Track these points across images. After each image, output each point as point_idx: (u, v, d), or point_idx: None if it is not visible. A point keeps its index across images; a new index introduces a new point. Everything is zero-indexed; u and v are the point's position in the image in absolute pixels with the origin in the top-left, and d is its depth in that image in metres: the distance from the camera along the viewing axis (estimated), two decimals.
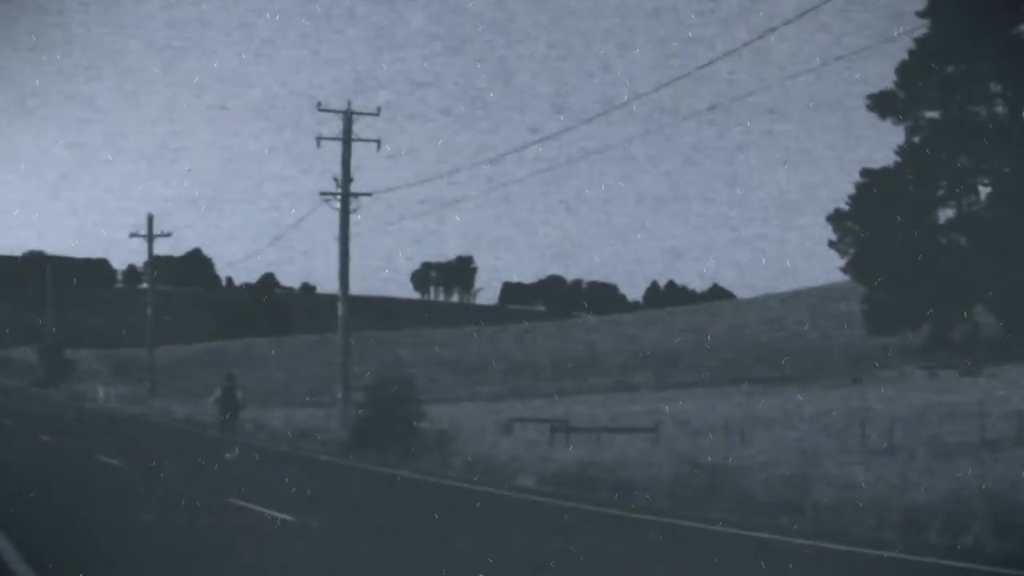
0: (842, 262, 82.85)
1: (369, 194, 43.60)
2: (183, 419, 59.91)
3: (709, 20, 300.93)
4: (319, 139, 42.59)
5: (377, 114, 43.10)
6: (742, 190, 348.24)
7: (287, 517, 18.56)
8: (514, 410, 51.42)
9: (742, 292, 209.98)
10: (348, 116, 42.50)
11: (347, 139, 42.46)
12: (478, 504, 20.84)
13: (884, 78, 79.49)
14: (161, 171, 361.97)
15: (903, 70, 76.81)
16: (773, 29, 64.74)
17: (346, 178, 42.83)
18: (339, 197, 42.94)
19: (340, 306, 44.54)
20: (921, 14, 75.51)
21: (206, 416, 57.31)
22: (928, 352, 78.20)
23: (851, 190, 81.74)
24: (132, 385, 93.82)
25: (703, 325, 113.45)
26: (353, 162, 43.27)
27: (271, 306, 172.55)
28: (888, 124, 79.48)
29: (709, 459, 21.52)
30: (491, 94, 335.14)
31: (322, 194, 43.36)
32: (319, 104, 42.51)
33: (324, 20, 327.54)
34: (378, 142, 42.86)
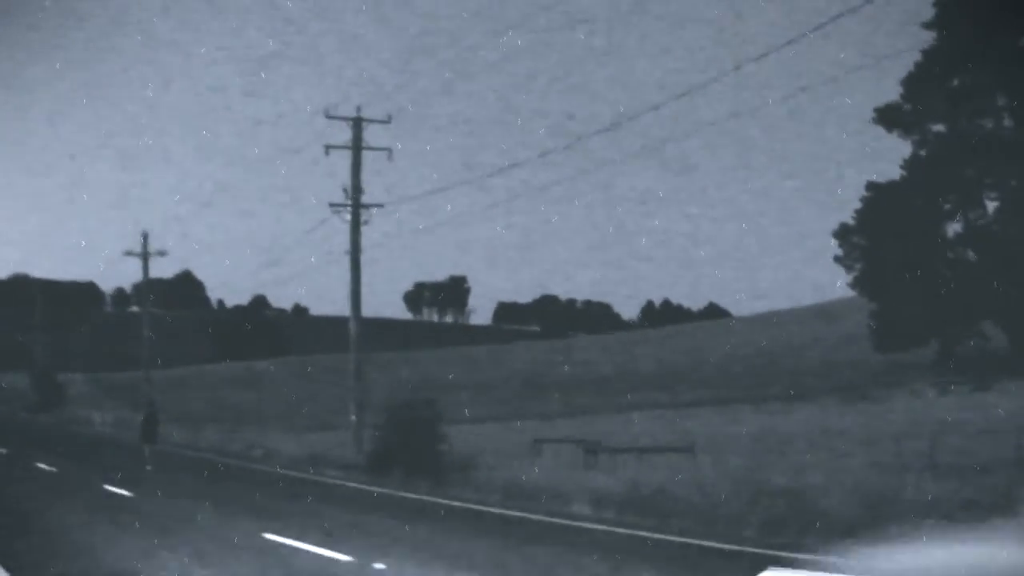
0: (848, 278, 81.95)
1: (381, 205, 42.53)
2: (183, 444, 58.46)
3: (717, 31, 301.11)
4: (328, 147, 41.47)
5: (388, 121, 41.95)
6: (736, 207, 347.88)
7: (349, 559, 17.03)
8: (529, 430, 50.22)
9: (738, 310, 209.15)
10: (358, 123, 41.39)
11: (357, 147, 41.35)
12: (547, 536, 19.36)
13: (890, 91, 78.00)
14: (151, 188, 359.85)
15: (909, 82, 75.98)
16: (777, 48, 63.97)
17: (356, 188, 41.71)
18: (349, 208, 41.78)
19: (352, 324, 43.32)
20: (927, 26, 74.84)
21: (211, 442, 56.14)
22: (937, 368, 77.19)
23: (856, 205, 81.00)
24: (126, 409, 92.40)
25: (706, 343, 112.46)
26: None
27: (264, 328, 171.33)
28: (882, 137, 78.83)
29: (770, 480, 20.30)
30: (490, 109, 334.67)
31: (332, 205, 42.24)
32: (327, 111, 41.38)
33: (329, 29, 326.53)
34: (389, 150, 41.81)
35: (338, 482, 33.49)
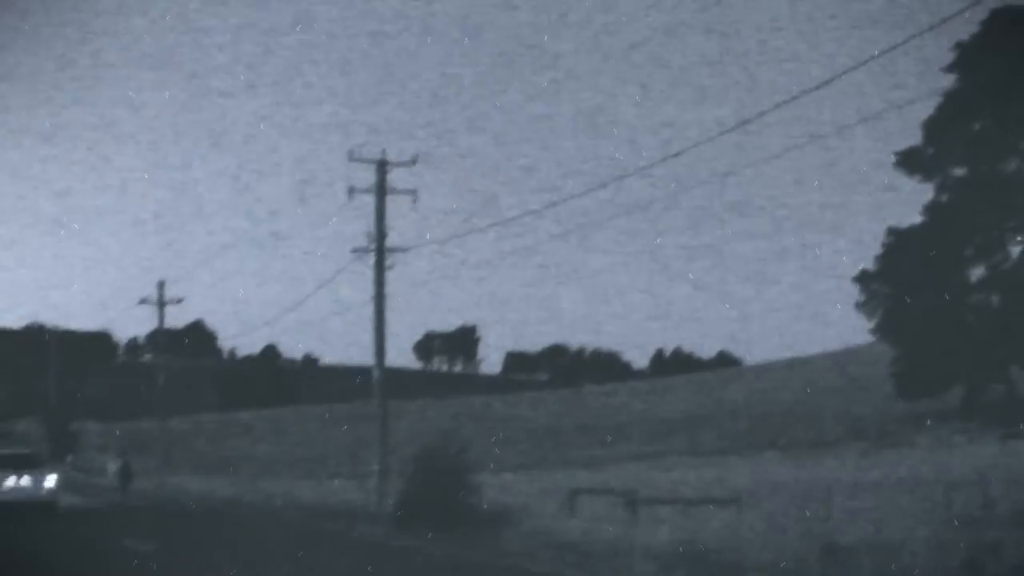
0: (870, 324, 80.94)
1: (405, 249, 41.69)
2: (201, 495, 57.30)
3: (731, 81, 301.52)
4: (351, 190, 40.78)
5: (413, 163, 41.21)
6: (749, 254, 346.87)
7: None
8: (552, 480, 49.21)
9: (750, 359, 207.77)
10: (382, 166, 40.69)
11: (381, 190, 40.63)
12: None
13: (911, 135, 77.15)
14: (164, 238, 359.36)
15: (930, 126, 75.33)
16: (795, 97, 63.80)
17: (380, 232, 40.94)
18: (373, 253, 40.97)
19: (376, 371, 42.40)
20: (947, 69, 74.30)
21: (229, 492, 55.08)
22: (962, 415, 76.08)
23: (877, 251, 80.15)
24: (141, 458, 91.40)
25: (721, 391, 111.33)
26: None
27: (276, 377, 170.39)
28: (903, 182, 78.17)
29: (836, 534, 19.28)
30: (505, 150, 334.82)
31: (354, 250, 41.48)
32: (351, 153, 40.65)
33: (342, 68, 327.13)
34: (414, 193, 41.08)
35: (368, 537, 32.10)
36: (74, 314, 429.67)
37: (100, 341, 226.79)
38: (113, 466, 57.96)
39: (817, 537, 19.34)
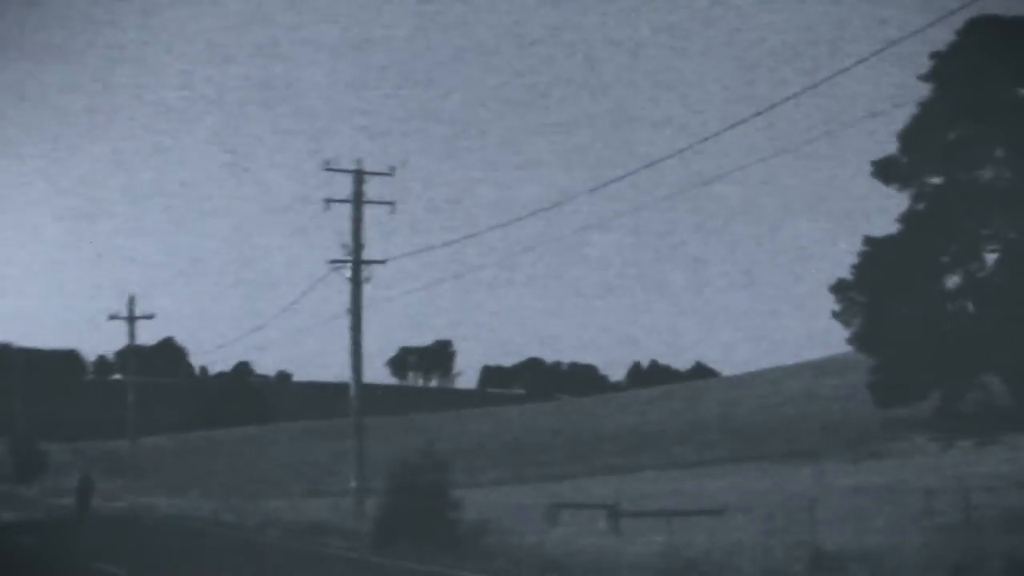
0: (847, 333, 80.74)
1: (383, 262, 41.11)
2: (176, 515, 56.34)
3: (707, 88, 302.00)
4: (328, 201, 40.21)
5: (391, 174, 40.65)
6: (721, 266, 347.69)
7: None
8: (531, 494, 48.63)
9: (727, 370, 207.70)
10: (359, 176, 40.11)
11: (358, 201, 40.02)
12: None
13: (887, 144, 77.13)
14: (132, 251, 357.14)
15: (906, 135, 75.27)
16: (773, 106, 63.53)
17: (357, 244, 40.34)
18: (350, 265, 40.35)
19: (352, 386, 41.73)
20: (923, 78, 74.27)
21: (203, 511, 54.17)
22: (938, 423, 75.88)
23: (849, 260, 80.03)
24: (110, 479, 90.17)
25: (698, 403, 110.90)
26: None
27: (249, 395, 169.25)
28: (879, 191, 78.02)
29: (824, 543, 18.77)
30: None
31: (331, 262, 40.85)
32: (326, 163, 40.03)
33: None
34: (392, 204, 40.50)
35: (348, 555, 31.47)
36: (41, 333, 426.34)
37: (68, 360, 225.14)
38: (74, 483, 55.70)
39: (803, 546, 18.82)
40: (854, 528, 23.87)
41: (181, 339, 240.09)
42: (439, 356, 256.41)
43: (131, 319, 74.18)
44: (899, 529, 24.15)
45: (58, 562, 31.40)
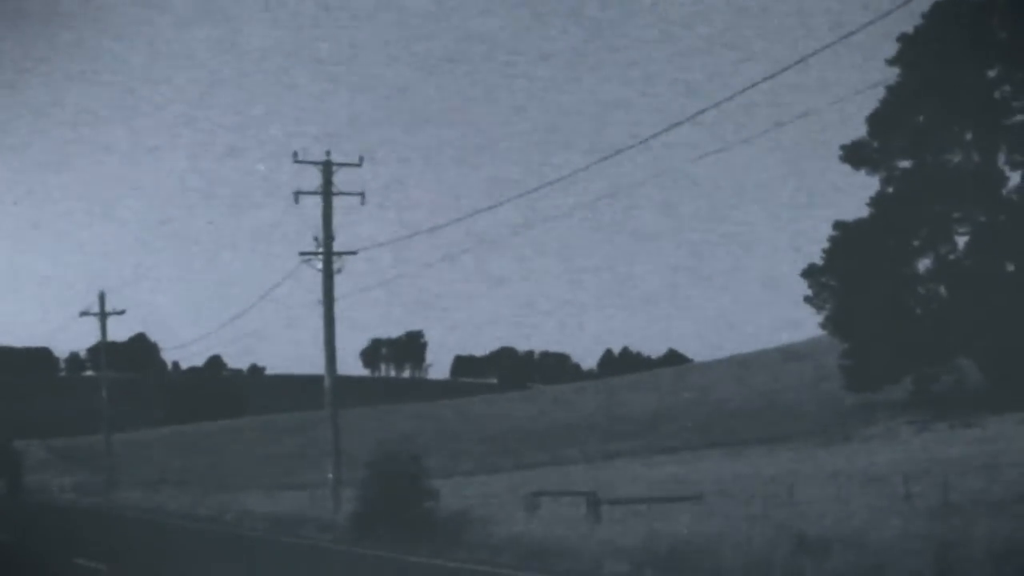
0: (819, 317, 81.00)
1: (354, 252, 41.08)
2: (152, 509, 56.14)
3: (681, 76, 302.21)
4: (297, 194, 40.07)
5: (359, 164, 40.58)
6: (694, 252, 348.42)
7: None
8: (505, 482, 48.66)
9: (699, 356, 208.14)
10: (328, 167, 39.98)
11: (327, 192, 39.90)
12: None
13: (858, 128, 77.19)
14: (102, 247, 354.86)
15: (875, 119, 75.41)
16: (743, 90, 63.57)
17: (328, 235, 40.23)
18: (321, 257, 40.20)
19: (327, 378, 41.62)
20: (891, 62, 74.43)
21: (179, 505, 54.03)
22: (912, 407, 76.20)
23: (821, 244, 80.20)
24: (85, 474, 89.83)
25: (671, 389, 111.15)
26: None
27: (222, 389, 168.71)
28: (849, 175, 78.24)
29: (806, 529, 18.79)
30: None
31: (302, 254, 40.76)
32: (295, 155, 39.85)
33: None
34: (362, 195, 40.40)
35: (327, 546, 31.39)
36: (12, 331, 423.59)
37: (40, 357, 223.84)
38: None
39: (784, 531, 18.86)
40: (834, 512, 23.94)
41: (153, 335, 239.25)
42: (411, 347, 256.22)
43: (102, 315, 73.75)
44: (878, 513, 24.23)
45: (37, 558, 31.18)
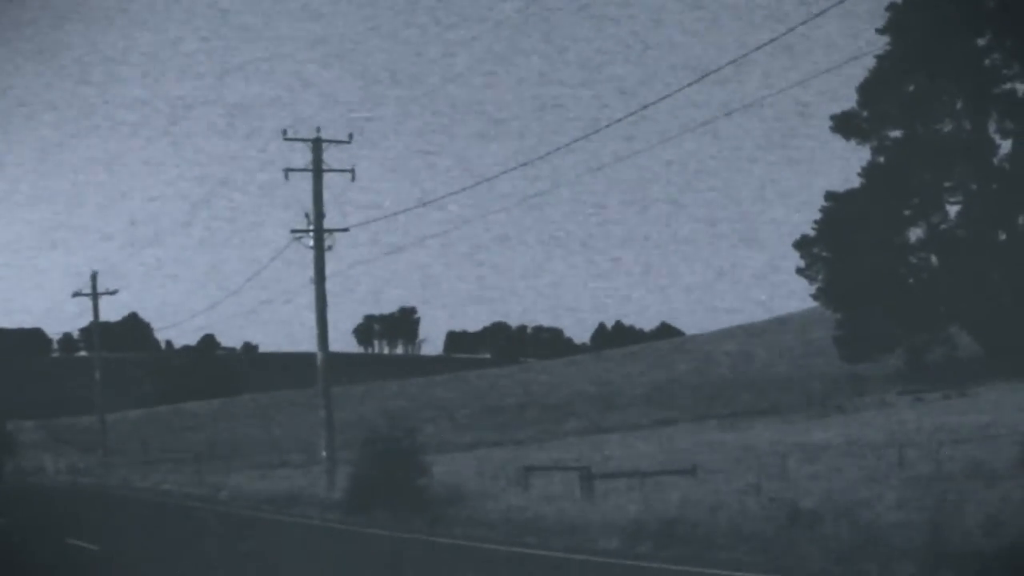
0: (812, 289, 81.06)
1: (345, 229, 41.03)
2: (146, 488, 56.15)
3: (664, 45, 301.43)
4: (287, 171, 39.95)
5: (349, 141, 40.45)
6: (686, 223, 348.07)
7: None
8: (499, 457, 48.67)
9: (691, 329, 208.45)
10: (318, 144, 39.83)
11: (317, 169, 39.78)
12: None
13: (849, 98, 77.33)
14: (93, 228, 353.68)
15: (865, 89, 75.31)
16: (733, 60, 63.58)
17: (318, 212, 40.12)
18: (312, 234, 40.10)
19: (319, 355, 41.53)
20: (881, 31, 74.27)
21: (174, 484, 54.03)
22: (906, 377, 76.32)
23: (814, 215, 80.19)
24: (79, 455, 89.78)
25: (665, 362, 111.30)
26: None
27: (215, 367, 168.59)
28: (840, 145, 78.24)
29: (799, 500, 18.78)
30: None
31: (293, 231, 40.64)
32: (285, 132, 39.72)
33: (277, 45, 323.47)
34: (352, 172, 40.28)
35: (322, 524, 31.32)
36: (4, 311, 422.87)
37: (33, 338, 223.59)
38: None
39: (778, 502, 18.86)
40: (827, 483, 23.96)
41: (145, 314, 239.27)
42: (404, 323, 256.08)
43: (95, 295, 73.67)
44: (872, 483, 24.26)
45: (30, 539, 31.14)
